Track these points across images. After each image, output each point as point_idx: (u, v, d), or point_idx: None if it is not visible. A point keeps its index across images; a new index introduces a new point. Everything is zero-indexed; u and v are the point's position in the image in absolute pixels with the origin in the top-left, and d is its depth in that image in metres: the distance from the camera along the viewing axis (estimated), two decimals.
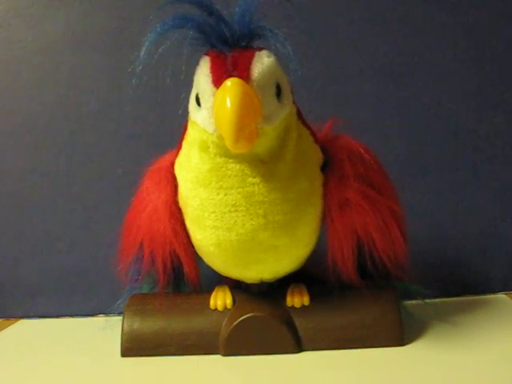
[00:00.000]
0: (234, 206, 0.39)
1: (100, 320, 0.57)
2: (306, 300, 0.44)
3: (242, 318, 0.43)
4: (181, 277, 0.46)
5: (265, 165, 0.38)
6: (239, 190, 0.38)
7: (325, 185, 0.42)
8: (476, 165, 0.59)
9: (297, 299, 0.44)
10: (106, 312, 0.58)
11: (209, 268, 0.45)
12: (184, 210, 0.42)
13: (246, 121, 0.34)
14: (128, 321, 0.45)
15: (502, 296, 0.56)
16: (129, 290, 0.48)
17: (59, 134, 0.63)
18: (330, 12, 0.60)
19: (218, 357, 0.43)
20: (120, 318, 0.46)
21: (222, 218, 0.39)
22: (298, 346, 0.43)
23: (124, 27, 0.62)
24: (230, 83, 0.35)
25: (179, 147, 0.43)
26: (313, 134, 0.42)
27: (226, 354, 0.43)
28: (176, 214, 0.43)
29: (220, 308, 0.44)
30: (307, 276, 0.46)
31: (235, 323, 0.43)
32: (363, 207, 0.41)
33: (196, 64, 0.38)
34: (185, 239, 0.43)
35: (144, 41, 0.37)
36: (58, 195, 0.62)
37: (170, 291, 0.46)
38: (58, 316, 0.61)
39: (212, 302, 0.45)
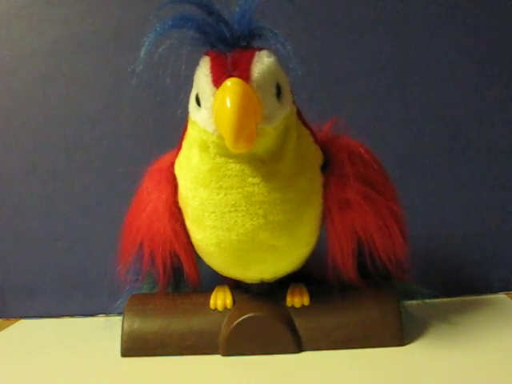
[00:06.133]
0: (234, 205, 0.39)
1: (100, 320, 0.57)
2: (305, 300, 0.44)
3: (242, 317, 0.43)
4: (181, 277, 0.46)
5: (265, 165, 0.38)
6: (239, 190, 0.38)
7: (325, 185, 0.42)
8: (476, 165, 0.59)
9: (297, 299, 0.44)
10: (106, 312, 0.58)
11: (209, 268, 0.45)
12: (184, 210, 0.42)
13: (246, 121, 0.34)
14: (128, 321, 0.45)
15: (502, 296, 0.56)
16: (129, 290, 0.48)
17: (59, 133, 0.63)
18: (329, 12, 0.60)
19: (217, 357, 0.43)
20: (120, 317, 0.46)
21: (221, 218, 0.39)
22: (298, 346, 0.43)
23: (124, 27, 0.62)
24: (230, 83, 0.35)
25: (179, 147, 0.43)
26: (313, 134, 0.42)
27: (225, 354, 0.43)
28: (176, 214, 0.43)
29: (220, 308, 0.44)
30: (307, 276, 0.46)
31: (235, 323, 0.43)
32: (363, 207, 0.41)
33: (196, 64, 0.38)
34: (185, 239, 0.43)
35: (144, 41, 0.37)
36: (57, 195, 0.62)
37: (169, 291, 0.47)
38: (57, 316, 0.61)
39: (212, 302, 0.45)
